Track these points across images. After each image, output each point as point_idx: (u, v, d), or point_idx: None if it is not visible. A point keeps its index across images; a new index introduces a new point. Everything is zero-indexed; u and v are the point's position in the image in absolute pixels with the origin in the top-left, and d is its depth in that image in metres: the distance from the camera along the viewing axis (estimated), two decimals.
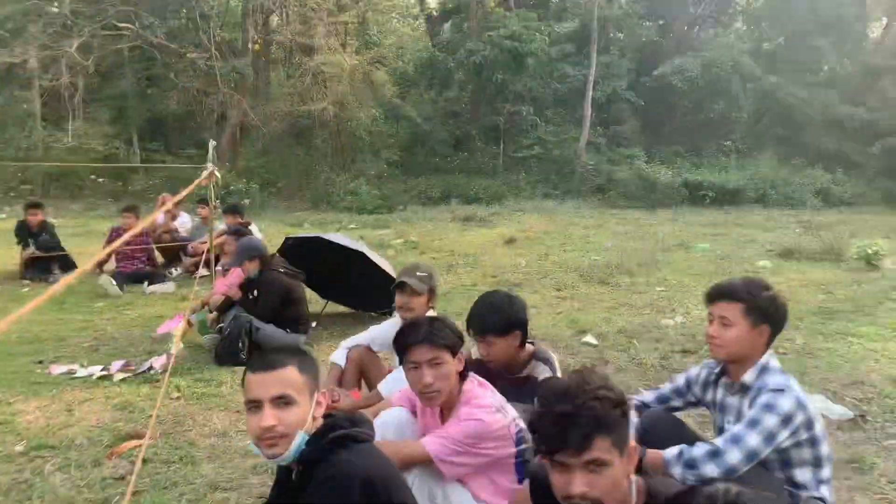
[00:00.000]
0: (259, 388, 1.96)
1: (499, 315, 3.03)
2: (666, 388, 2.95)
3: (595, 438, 1.61)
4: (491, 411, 2.55)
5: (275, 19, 22.80)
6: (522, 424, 2.67)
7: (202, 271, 6.92)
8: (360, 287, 6.72)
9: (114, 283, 7.67)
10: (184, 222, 9.63)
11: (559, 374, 3.19)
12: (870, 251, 9.59)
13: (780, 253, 10.82)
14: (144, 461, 3.34)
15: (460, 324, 2.87)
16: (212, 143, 6.80)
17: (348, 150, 23.12)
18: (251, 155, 22.55)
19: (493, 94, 24.84)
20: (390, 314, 6.81)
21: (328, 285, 6.97)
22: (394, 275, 6.37)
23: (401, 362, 2.70)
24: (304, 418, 1.99)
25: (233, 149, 21.66)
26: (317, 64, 21.10)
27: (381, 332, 4.09)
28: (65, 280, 2.25)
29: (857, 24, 27.95)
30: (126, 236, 2.58)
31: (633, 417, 2.63)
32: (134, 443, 3.63)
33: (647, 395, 2.98)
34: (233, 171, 19.86)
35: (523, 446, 2.61)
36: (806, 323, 6.40)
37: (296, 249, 6.56)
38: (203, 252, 7.80)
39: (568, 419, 1.62)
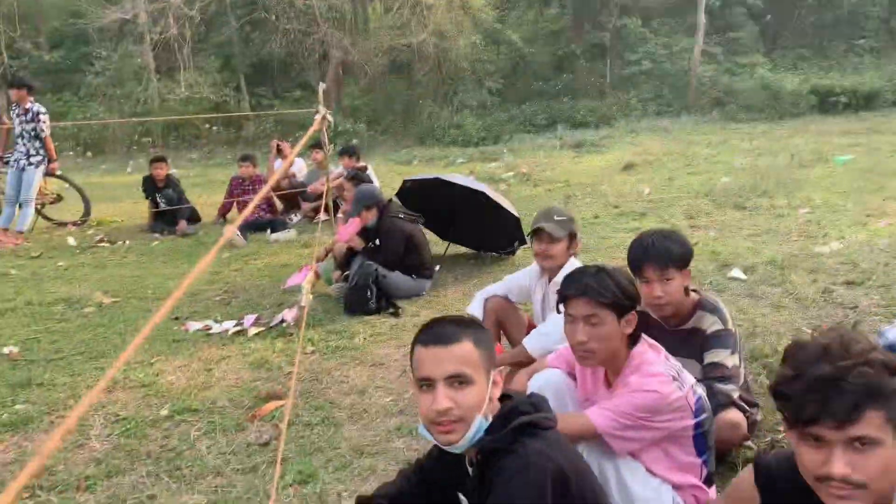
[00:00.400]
0: (432, 366, 1.73)
1: (679, 244, 2.71)
2: (875, 341, 2.52)
3: (865, 410, 1.32)
4: (666, 381, 2.24)
5: None
6: (701, 392, 2.35)
7: (322, 216, 6.87)
8: (481, 227, 6.48)
9: (238, 233, 7.78)
10: (299, 167, 9.64)
11: (731, 327, 2.83)
12: None
13: None
14: (288, 424, 3.27)
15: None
16: (321, 86, 6.61)
17: (449, 81, 22.63)
18: (354, 94, 22.49)
19: (596, 7, 23.53)
20: (513, 254, 6.58)
21: (448, 226, 6.77)
22: (515, 213, 6.09)
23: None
24: (482, 400, 1.75)
25: (336, 89, 21.66)
26: None
27: (518, 280, 3.77)
28: (230, 231, 2.37)
29: None
30: (266, 187, 2.47)
31: None
32: (275, 404, 3.58)
33: None
34: (338, 112, 19.92)
35: (703, 416, 2.31)
36: None
37: (413, 191, 6.38)
38: (321, 193, 7.75)
39: (831, 385, 1.33)
